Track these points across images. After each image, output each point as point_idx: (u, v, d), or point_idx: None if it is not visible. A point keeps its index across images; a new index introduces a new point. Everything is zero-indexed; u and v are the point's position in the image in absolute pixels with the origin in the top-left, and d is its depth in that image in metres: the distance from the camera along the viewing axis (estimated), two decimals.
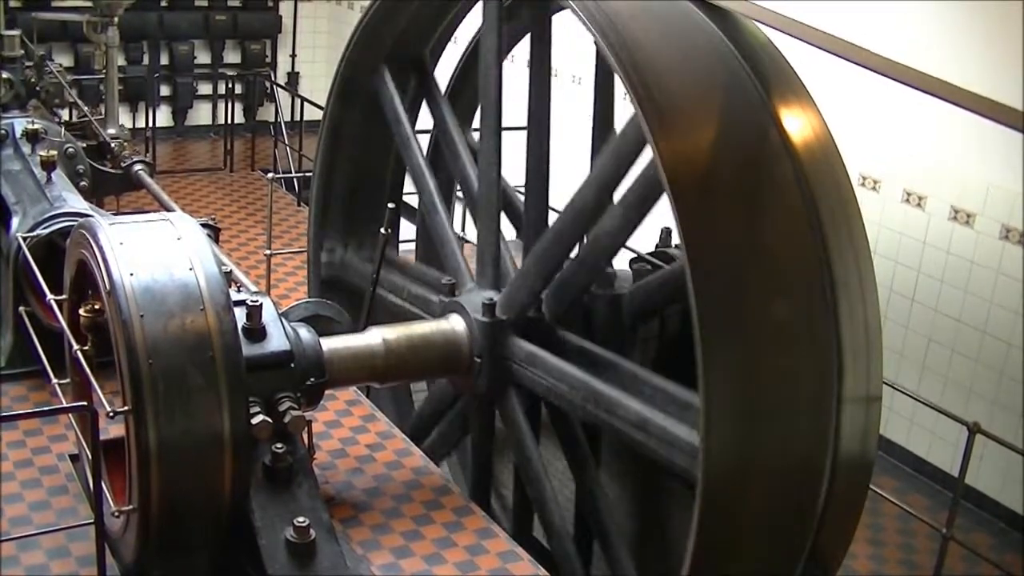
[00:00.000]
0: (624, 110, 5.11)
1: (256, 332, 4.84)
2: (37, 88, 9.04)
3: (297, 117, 13.24)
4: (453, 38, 7.03)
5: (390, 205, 6.56)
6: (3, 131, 7.50)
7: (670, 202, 4.29)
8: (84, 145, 8.47)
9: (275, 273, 9.10)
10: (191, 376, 4.37)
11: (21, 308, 6.10)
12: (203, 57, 15.32)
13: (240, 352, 4.53)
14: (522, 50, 6.96)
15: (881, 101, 8.07)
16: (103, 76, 10.46)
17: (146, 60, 14.85)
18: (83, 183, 7.96)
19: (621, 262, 6.14)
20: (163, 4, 14.80)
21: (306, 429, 4.95)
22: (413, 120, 6.83)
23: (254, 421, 4.56)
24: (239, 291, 5.21)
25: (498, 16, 5.77)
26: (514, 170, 6.06)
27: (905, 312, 8.44)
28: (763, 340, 4.42)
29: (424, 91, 6.86)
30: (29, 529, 5.03)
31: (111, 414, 4.34)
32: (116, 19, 10.20)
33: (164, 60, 14.98)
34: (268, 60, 15.68)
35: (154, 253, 4.56)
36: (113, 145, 9.06)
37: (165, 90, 14.97)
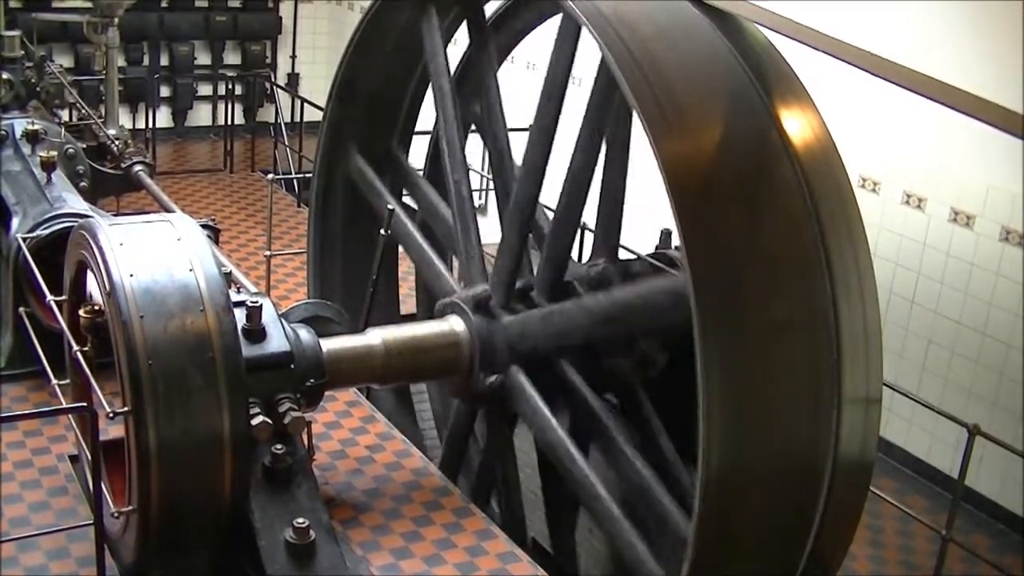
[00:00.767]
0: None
1: (256, 333, 4.84)
2: (37, 89, 9.04)
3: (297, 118, 13.24)
4: (453, 39, 7.04)
5: (390, 206, 6.56)
6: (3, 132, 7.50)
7: (670, 203, 4.29)
8: (84, 146, 8.48)
9: (275, 274, 9.11)
10: (191, 377, 4.37)
11: (21, 309, 6.09)
12: (203, 58, 15.32)
13: (240, 353, 4.53)
14: (522, 51, 6.98)
15: (881, 103, 8.07)
16: (103, 77, 10.48)
17: (146, 61, 14.85)
18: (83, 184, 7.97)
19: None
20: (163, 5, 14.81)
21: (306, 430, 4.95)
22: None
23: (254, 422, 4.56)
24: (239, 292, 5.21)
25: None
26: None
27: (905, 314, 8.44)
28: (763, 342, 4.41)
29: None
30: (29, 530, 5.03)
31: (111, 415, 4.34)
32: (116, 20, 10.23)
33: (164, 61, 14.98)
34: (268, 61, 15.69)
35: (154, 254, 4.55)
36: (118, 144, 9.07)
37: (165, 91, 14.97)
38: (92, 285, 4.84)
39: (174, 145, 14.48)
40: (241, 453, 4.53)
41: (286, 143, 13.06)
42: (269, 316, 4.93)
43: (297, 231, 10.41)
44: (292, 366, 4.91)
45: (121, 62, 12.72)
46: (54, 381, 5.13)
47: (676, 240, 4.52)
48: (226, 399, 4.43)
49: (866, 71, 4.30)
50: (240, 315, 4.72)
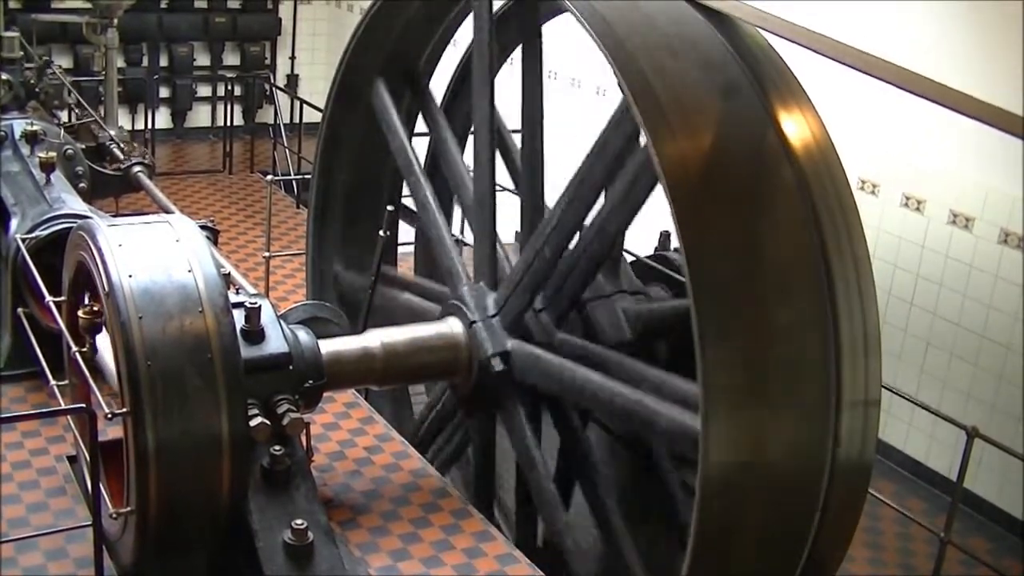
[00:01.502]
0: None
1: (255, 334, 4.84)
2: (37, 90, 9.04)
3: (296, 119, 13.23)
4: (453, 41, 7.04)
5: (389, 207, 6.56)
6: (2, 132, 7.49)
7: (669, 205, 4.30)
8: (83, 146, 8.47)
9: (274, 275, 9.10)
10: (189, 378, 4.37)
11: (20, 310, 6.09)
12: (202, 59, 15.30)
13: (238, 354, 4.53)
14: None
15: (880, 105, 8.07)
16: (102, 78, 10.47)
17: (145, 62, 14.83)
18: (82, 185, 7.96)
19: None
20: (162, 6, 14.79)
21: (304, 431, 4.95)
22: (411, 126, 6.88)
23: (252, 423, 4.55)
24: (238, 293, 5.21)
25: (490, 18, 5.80)
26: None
27: (904, 316, 8.44)
28: (762, 344, 4.41)
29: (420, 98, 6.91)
30: (27, 530, 5.03)
31: (109, 416, 4.33)
32: (115, 21, 10.22)
33: (163, 62, 14.96)
34: (267, 62, 15.67)
35: (153, 255, 4.56)
36: (121, 145, 9.06)
37: (164, 92, 14.95)
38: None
39: (173, 146, 14.46)
40: (239, 454, 4.53)
41: (285, 144, 13.05)
42: (268, 317, 4.93)
43: (296, 232, 10.40)
44: (291, 367, 4.91)
45: (120, 63, 12.70)
46: (53, 382, 5.13)
47: (675, 242, 4.52)
48: (224, 400, 4.43)
49: (864, 73, 4.30)
50: (239, 316, 4.72)
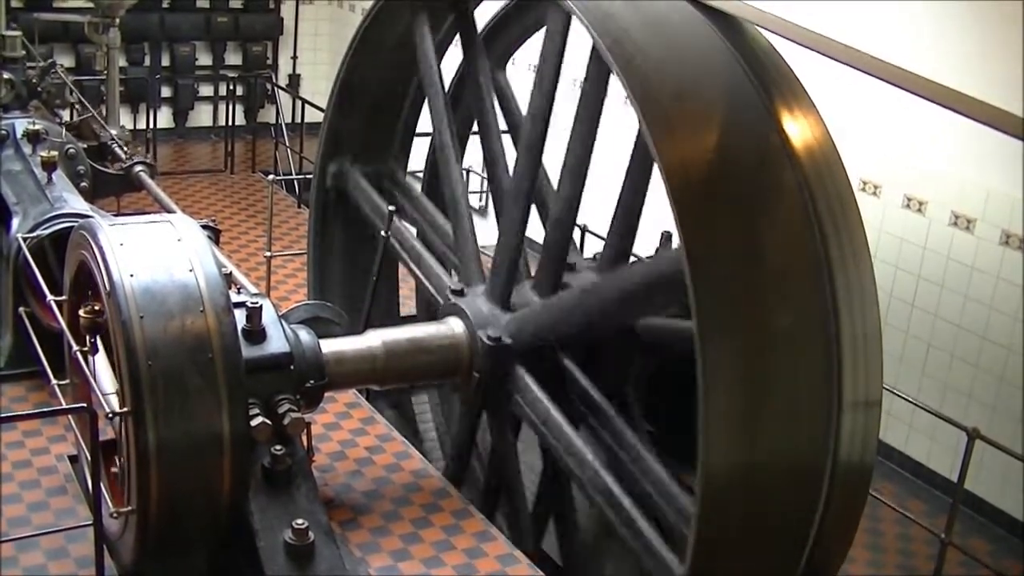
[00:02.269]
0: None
1: (256, 334, 4.84)
2: (39, 89, 9.04)
3: (298, 119, 13.24)
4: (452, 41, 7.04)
5: (390, 208, 6.56)
6: (4, 131, 7.51)
7: (671, 206, 4.29)
8: (84, 146, 8.48)
9: (275, 275, 9.10)
10: (190, 377, 4.37)
11: (21, 309, 6.09)
12: (204, 59, 15.31)
13: (240, 354, 4.53)
14: (523, 53, 6.98)
15: (882, 106, 8.07)
16: (104, 77, 10.47)
17: (147, 61, 14.83)
18: (84, 184, 7.97)
19: None
20: (164, 5, 14.79)
21: (305, 431, 4.95)
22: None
23: (253, 423, 4.56)
24: (239, 293, 5.21)
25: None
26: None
27: (905, 317, 8.43)
28: (763, 345, 4.41)
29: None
30: (28, 530, 5.03)
31: (110, 415, 4.33)
32: (117, 20, 10.23)
33: (165, 61, 14.97)
34: (269, 62, 15.68)
35: (154, 254, 4.56)
36: (124, 146, 9.06)
37: (166, 91, 14.96)
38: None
39: (175, 145, 14.47)
40: (240, 454, 4.53)
41: (287, 144, 13.06)
42: (269, 317, 4.93)
43: (298, 232, 10.40)
44: (292, 367, 4.92)
45: (122, 62, 12.71)
46: (54, 381, 5.14)
47: (676, 243, 4.52)
48: (225, 400, 4.43)
49: (865, 73, 4.30)
50: (240, 316, 4.72)
